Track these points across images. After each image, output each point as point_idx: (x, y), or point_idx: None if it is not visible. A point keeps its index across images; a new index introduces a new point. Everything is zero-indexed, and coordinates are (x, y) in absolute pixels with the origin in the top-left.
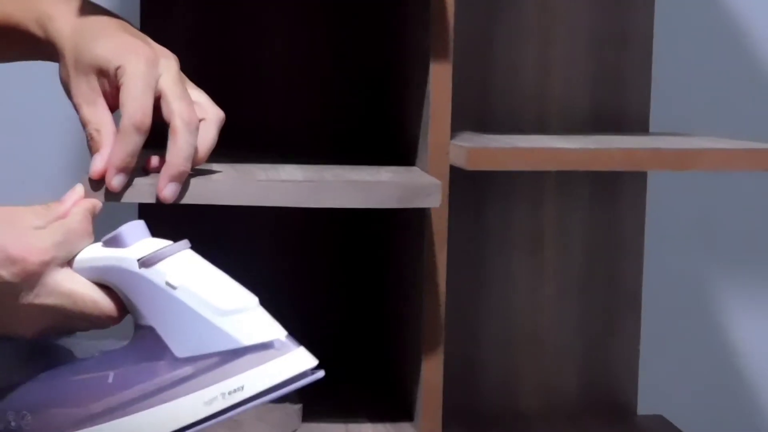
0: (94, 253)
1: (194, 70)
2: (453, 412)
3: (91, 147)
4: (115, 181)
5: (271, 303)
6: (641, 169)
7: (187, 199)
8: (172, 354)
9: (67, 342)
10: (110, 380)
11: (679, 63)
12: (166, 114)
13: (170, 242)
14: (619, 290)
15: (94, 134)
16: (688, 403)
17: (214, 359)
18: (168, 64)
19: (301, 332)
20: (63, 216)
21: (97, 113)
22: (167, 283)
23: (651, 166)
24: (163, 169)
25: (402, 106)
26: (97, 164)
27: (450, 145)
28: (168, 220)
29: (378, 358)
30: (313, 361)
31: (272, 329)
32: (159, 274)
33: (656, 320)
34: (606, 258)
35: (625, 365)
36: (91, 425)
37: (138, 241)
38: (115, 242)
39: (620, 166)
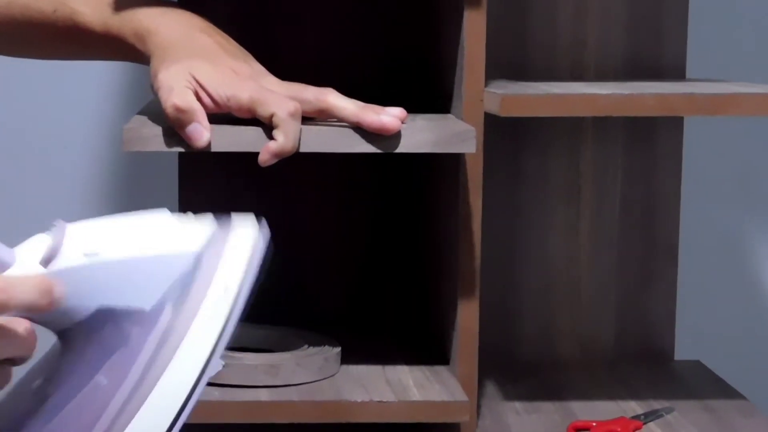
0: None
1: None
2: (490, 359)
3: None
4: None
5: (307, 250)
6: (675, 114)
7: (223, 147)
8: (141, 311)
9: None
10: (105, 383)
11: (717, 9)
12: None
13: (44, 233)
14: (656, 237)
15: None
16: (725, 350)
17: (177, 289)
18: (269, 80)
19: (337, 278)
20: None
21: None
22: (86, 255)
23: (685, 111)
24: (278, 147)
25: (437, 54)
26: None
27: (484, 92)
28: (206, 170)
29: (415, 304)
30: (256, 231)
31: (201, 225)
32: (69, 257)
33: (693, 266)
34: (643, 205)
35: (662, 312)
36: None
37: (11, 253)
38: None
39: (654, 111)
